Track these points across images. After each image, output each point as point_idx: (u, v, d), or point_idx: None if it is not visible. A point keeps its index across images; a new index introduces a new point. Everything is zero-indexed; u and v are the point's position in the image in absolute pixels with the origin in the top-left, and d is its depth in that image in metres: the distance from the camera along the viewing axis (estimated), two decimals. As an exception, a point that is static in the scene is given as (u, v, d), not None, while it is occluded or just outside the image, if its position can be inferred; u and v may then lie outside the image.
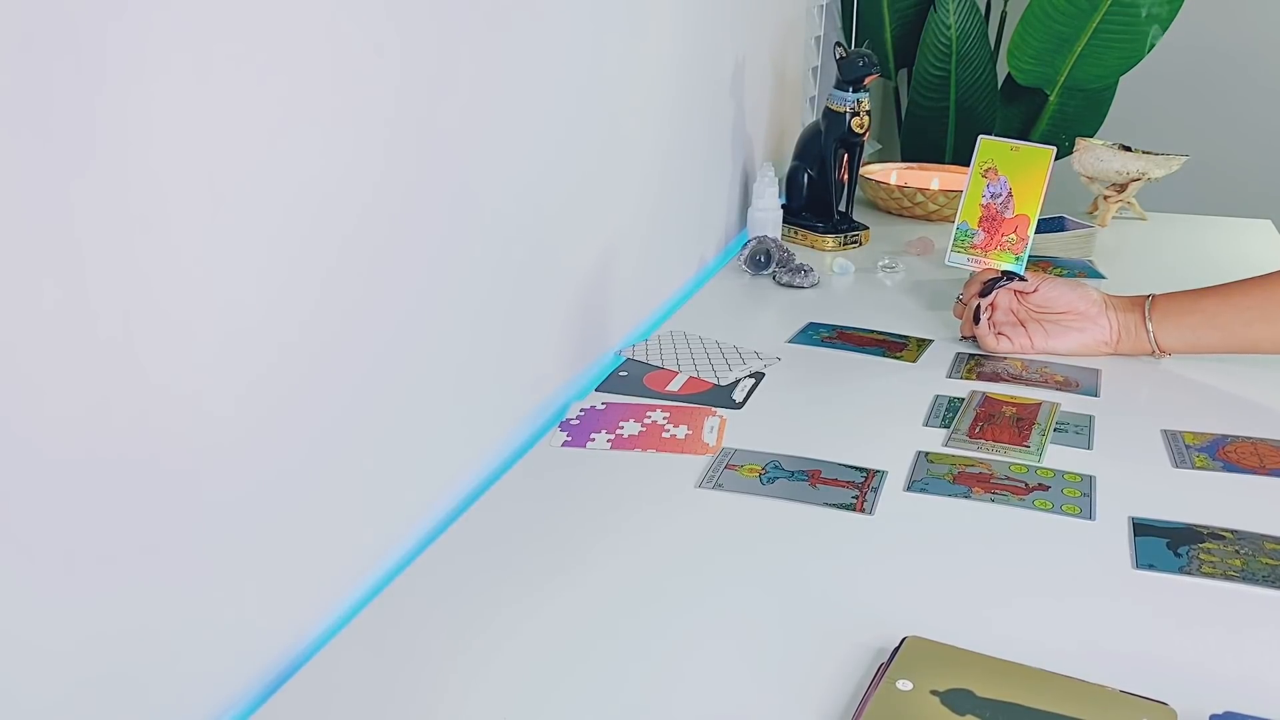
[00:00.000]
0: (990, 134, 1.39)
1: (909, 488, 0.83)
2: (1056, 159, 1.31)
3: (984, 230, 1.26)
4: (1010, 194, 1.25)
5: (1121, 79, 2.25)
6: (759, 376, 1.05)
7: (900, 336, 1.17)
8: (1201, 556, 0.73)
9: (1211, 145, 2.53)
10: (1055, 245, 1.50)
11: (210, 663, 0.59)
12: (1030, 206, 1.24)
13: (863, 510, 0.80)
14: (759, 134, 1.64)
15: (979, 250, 1.26)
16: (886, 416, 0.97)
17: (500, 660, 0.63)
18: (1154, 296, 1.09)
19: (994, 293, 1.11)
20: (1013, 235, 1.24)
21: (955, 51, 2.23)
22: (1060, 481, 0.84)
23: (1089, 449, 0.90)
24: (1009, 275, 1.12)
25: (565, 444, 0.90)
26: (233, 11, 0.54)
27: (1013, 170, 1.25)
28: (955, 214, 1.64)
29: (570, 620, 0.67)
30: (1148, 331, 1.08)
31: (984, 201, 1.26)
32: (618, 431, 0.91)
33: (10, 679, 0.46)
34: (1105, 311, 1.10)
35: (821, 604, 0.69)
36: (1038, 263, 1.42)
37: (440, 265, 0.77)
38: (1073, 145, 1.70)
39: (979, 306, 1.11)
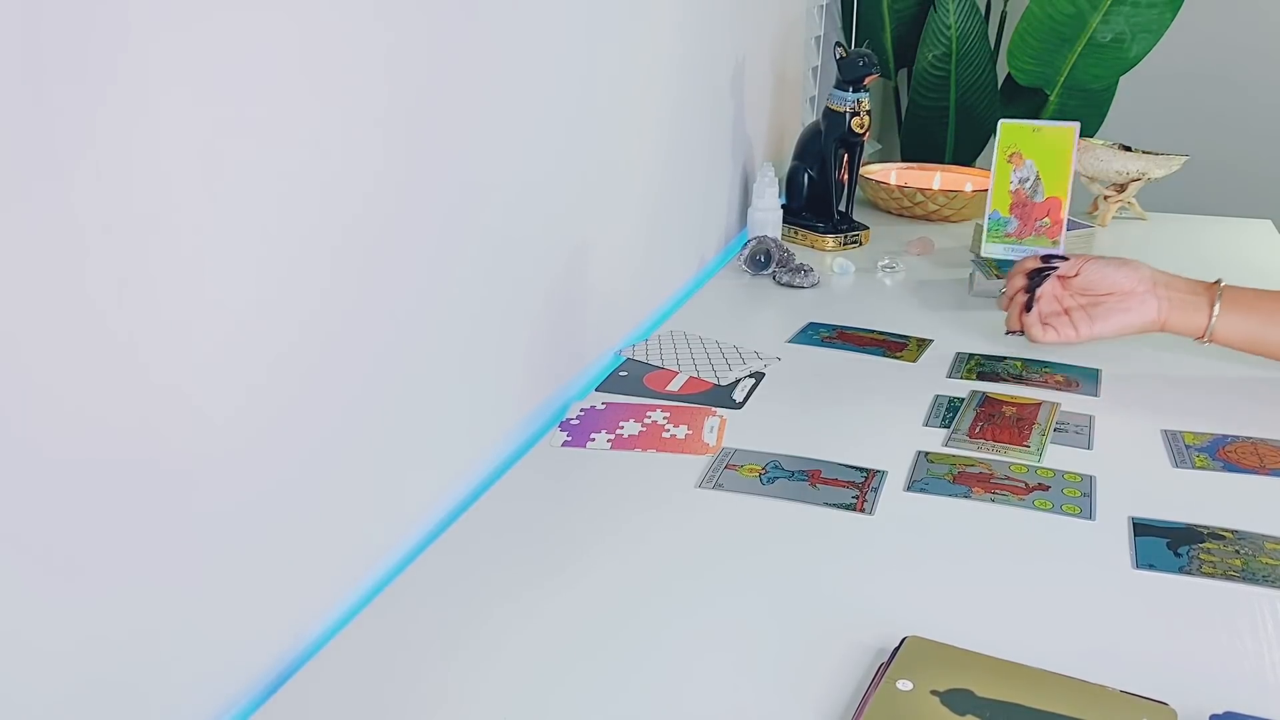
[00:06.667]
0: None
1: (909, 488, 0.83)
2: None
3: (1016, 217, 1.24)
4: (1038, 177, 1.22)
5: (1121, 79, 2.25)
6: (759, 376, 1.05)
7: (900, 336, 1.17)
8: (1201, 556, 0.73)
9: (1211, 145, 2.53)
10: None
11: (209, 664, 0.59)
12: (1060, 188, 1.21)
13: (863, 510, 0.80)
14: (759, 134, 1.64)
15: (1014, 238, 1.24)
16: (886, 416, 0.97)
17: (500, 660, 0.63)
18: (1225, 284, 1.04)
19: (1042, 284, 1.07)
20: (1046, 219, 1.22)
21: (955, 51, 2.23)
22: (1060, 481, 0.84)
23: (1089, 449, 0.90)
24: (1050, 261, 1.09)
25: (565, 444, 0.90)
26: (228, 14, 0.54)
27: (1037, 153, 1.22)
28: (964, 208, 1.66)
29: (570, 620, 0.67)
30: (1211, 316, 1.03)
31: (1012, 187, 1.24)
32: (618, 431, 0.91)
33: (9, 680, 0.46)
34: (1154, 289, 1.05)
35: (821, 604, 0.69)
36: None
37: (439, 265, 0.77)
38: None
39: (1031, 299, 1.08)
